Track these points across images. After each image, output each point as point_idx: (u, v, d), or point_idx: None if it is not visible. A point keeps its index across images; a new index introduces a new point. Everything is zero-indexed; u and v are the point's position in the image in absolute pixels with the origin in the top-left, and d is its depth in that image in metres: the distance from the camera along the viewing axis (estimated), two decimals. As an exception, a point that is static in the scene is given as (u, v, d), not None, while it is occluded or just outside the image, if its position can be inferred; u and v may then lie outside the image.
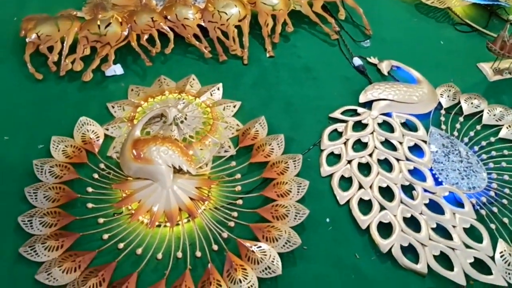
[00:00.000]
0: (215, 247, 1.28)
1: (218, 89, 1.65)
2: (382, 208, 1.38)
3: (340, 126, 1.58)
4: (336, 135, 1.56)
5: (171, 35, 1.75)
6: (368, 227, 1.34)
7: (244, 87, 1.69)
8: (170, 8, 1.79)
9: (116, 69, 1.71)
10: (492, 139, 1.55)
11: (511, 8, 2.04)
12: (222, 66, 1.75)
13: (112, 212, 1.35)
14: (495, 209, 1.38)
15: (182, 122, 1.53)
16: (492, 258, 1.29)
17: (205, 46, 1.75)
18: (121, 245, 1.28)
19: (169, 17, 1.77)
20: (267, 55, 1.78)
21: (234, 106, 1.60)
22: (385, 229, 1.33)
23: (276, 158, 1.44)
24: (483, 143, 1.54)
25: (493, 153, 1.51)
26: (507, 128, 1.59)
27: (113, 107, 1.61)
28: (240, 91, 1.67)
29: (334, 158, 1.50)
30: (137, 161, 1.37)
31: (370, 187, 1.42)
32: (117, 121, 1.56)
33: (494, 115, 1.63)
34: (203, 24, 1.77)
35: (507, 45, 1.69)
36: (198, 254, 1.27)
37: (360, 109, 1.62)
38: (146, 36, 1.75)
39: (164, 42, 1.77)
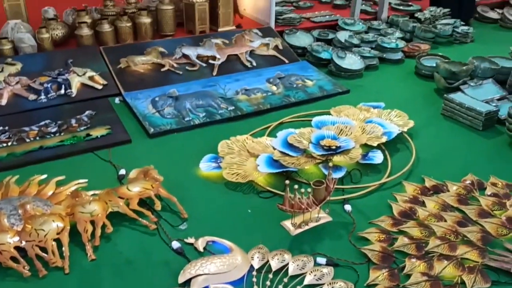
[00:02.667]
0: None
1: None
2: None
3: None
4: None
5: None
6: None
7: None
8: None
9: None
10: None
11: (300, 171, 2.49)
12: (43, 281, 1.80)
13: None
14: None
15: None
16: None
17: (24, 266, 1.80)
18: None
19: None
20: (89, 259, 1.88)
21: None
22: None
23: None
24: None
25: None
26: (309, 274, 1.83)
27: None
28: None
29: None
30: None
31: None
32: None
33: (298, 265, 1.88)
34: (21, 245, 1.85)
35: (295, 203, 2.03)
36: None
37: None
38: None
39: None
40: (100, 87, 3.13)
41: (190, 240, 1.99)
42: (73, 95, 3.02)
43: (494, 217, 2.20)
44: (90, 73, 3.17)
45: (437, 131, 3.01)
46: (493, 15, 5.39)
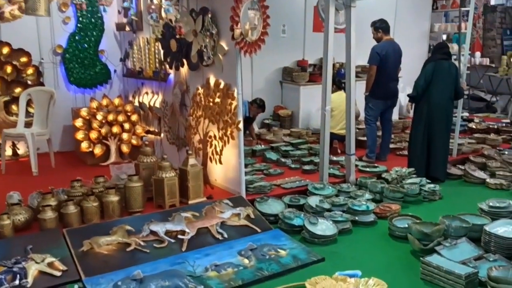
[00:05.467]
0: None
1: None
2: None
3: None
4: None
5: None
6: None
7: None
8: None
9: None
10: None
11: None
12: None
13: None
14: None
15: None
16: None
17: None
18: None
19: None
20: None
21: None
22: None
23: None
24: None
25: None
26: None
27: None
28: None
29: None
30: None
31: None
32: None
33: None
34: None
35: None
36: None
37: None
38: None
39: None
40: (59, 273, 2.94)
41: None
42: (29, 286, 2.81)
43: None
44: (49, 259, 3.00)
45: (420, 299, 2.84)
46: (456, 171, 5.62)
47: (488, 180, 5.15)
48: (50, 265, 2.98)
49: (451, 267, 2.95)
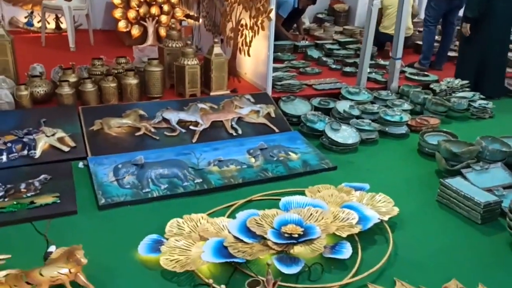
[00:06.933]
0: None
1: None
2: None
3: None
4: None
5: None
6: None
7: None
8: None
9: None
10: None
11: (252, 262, 2.16)
12: None
13: None
14: None
15: None
16: None
17: None
18: None
19: None
20: None
21: None
22: None
23: None
24: None
25: None
26: None
27: None
28: None
29: None
30: None
31: None
32: None
33: None
34: None
35: None
36: None
37: None
38: None
39: None
40: (67, 149, 2.99)
41: None
42: (36, 157, 2.88)
43: None
44: (60, 134, 3.04)
45: (427, 222, 2.63)
46: (518, 89, 5.00)
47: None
48: (60, 140, 3.03)
49: (471, 192, 2.66)
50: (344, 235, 2.31)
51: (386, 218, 2.50)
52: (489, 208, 2.59)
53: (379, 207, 2.60)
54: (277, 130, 3.55)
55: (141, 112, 3.33)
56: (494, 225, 2.60)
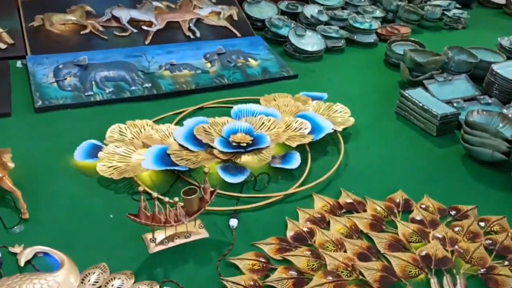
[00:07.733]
0: None
1: None
2: None
3: None
4: None
5: None
6: None
7: None
8: None
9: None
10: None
11: (195, 171, 2.08)
12: None
13: None
14: None
15: None
16: None
17: None
18: None
19: None
20: None
21: None
22: None
23: None
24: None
25: None
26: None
27: None
28: None
29: None
30: None
31: None
32: None
33: (140, 293, 1.51)
34: None
35: (154, 215, 1.65)
36: None
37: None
38: None
39: None
40: (4, 46, 2.74)
41: (16, 248, 1.63)
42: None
43: (408, 251, 1.78)
44: (-4, 30, 2.77)
45: (382, 133, 2.56)
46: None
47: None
48: (-4, 36, 2.77)
49: (430, 104, 2.57)
50: (294, 145, 2.22)
51: (340, 128, 2.42)
52: (446, 120, 2.52)
53: (335, 117, 2.50)
54: (239, 35, 3.32)
55: (88, 8, 3.03)
56: (449, 138, 2.55)
